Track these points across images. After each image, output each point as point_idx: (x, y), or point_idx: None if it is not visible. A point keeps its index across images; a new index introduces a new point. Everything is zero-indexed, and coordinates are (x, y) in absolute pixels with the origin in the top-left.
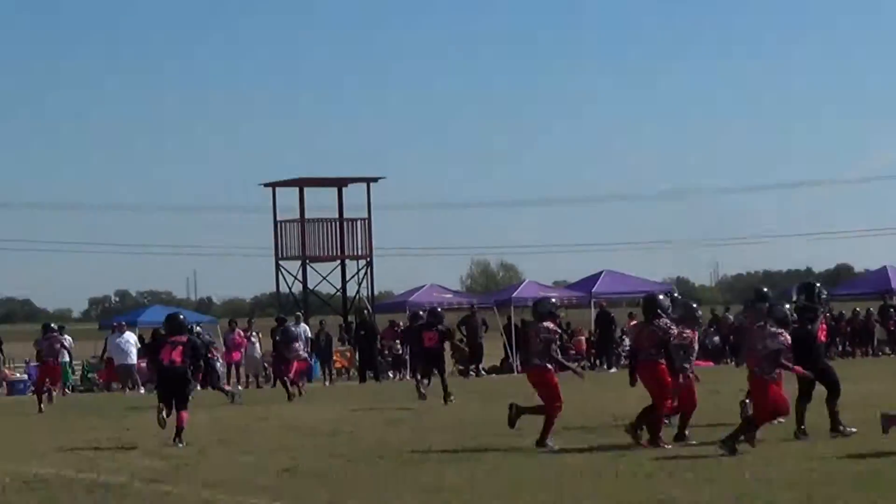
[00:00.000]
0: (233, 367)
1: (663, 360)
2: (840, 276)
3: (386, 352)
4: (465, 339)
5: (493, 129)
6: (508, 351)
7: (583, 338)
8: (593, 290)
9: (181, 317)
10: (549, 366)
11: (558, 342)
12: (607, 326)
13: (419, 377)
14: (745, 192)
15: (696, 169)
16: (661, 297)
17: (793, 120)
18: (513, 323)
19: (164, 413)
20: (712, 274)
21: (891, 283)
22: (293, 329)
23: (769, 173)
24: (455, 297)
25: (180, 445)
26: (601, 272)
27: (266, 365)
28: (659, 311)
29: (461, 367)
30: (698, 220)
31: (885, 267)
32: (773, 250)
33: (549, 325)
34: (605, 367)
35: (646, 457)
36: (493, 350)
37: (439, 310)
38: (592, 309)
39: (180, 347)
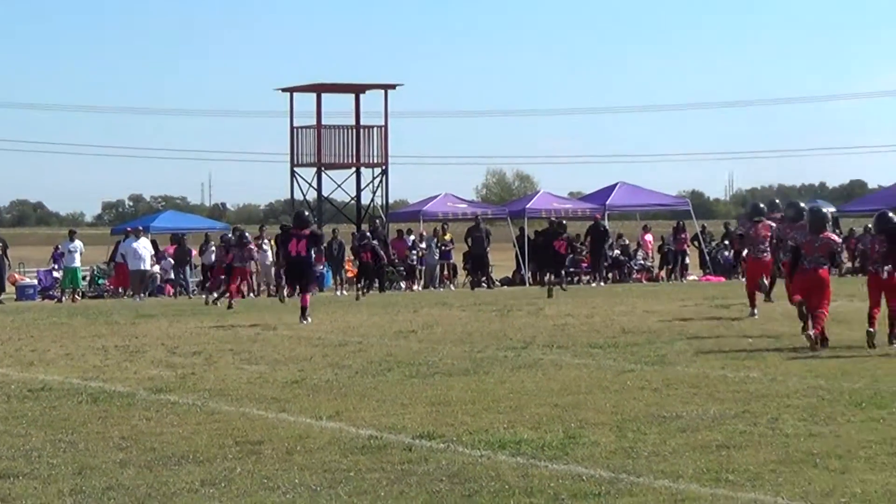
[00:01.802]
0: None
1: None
2: (854, 192)
3: (398, 261)
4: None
5: (511, 38)
6: (521, 262)
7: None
8: (608, 202)
9: (306, 213)
10: None
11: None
12: (600, 239)
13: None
14: (763, 105)
15: (714, 82)
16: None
17: (810, 34)
18: (525, 234)
19: (286, 292)
20: (727, 187)
21: None
22: None
23: (786, 87)
24: (469, 206)
25: (304, 322)
26: (616, 184)
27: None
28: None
29: (471, 279)
30: (714, 133)
31: None
32: (789, 164)
33: None
34: (593, 280)
35: (654, 373)
36: (506, 262)
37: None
38: (608, 221)
39: (304, 240)
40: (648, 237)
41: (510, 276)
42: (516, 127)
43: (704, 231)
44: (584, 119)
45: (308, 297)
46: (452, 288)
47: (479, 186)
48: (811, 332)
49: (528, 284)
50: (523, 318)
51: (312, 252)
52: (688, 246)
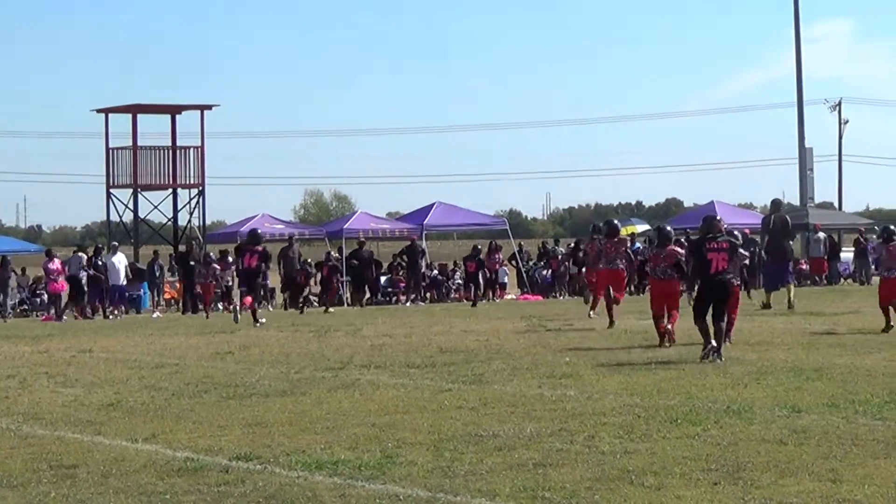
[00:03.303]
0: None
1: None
2: (670, 210)
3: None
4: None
5: (327, 57)
6: (339, 284)
7: None
8: (425, 221)
9: (259, 231)
10: None
11: None
12: (415, 259)
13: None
14: (578, 125)
15: (529, 102)
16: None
17: (626, 54)
18: (344, 254)
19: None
20: (545, 207)
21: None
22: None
23: (603, 106)
24: (286, 227)
25: (259, 324)
26: (433, 204)
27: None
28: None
29: (286, 299)
30: (531, 152)
31: (712, 202)
32: (605, 183)
33: None
34: (408, 299)
35: (471, 392)
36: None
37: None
38: (425, 241)
39: (256, 255)
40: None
41: (328, 296)
42: (334, 147)
43: (522, 250)
44: (402, 139)
45: (249, 299)
46: (270, 309)
47: (296, 207)
48: (668, 325)
49: (346, 304)
50: (341, 338)
51: (262, 266)
52: (504, 265)
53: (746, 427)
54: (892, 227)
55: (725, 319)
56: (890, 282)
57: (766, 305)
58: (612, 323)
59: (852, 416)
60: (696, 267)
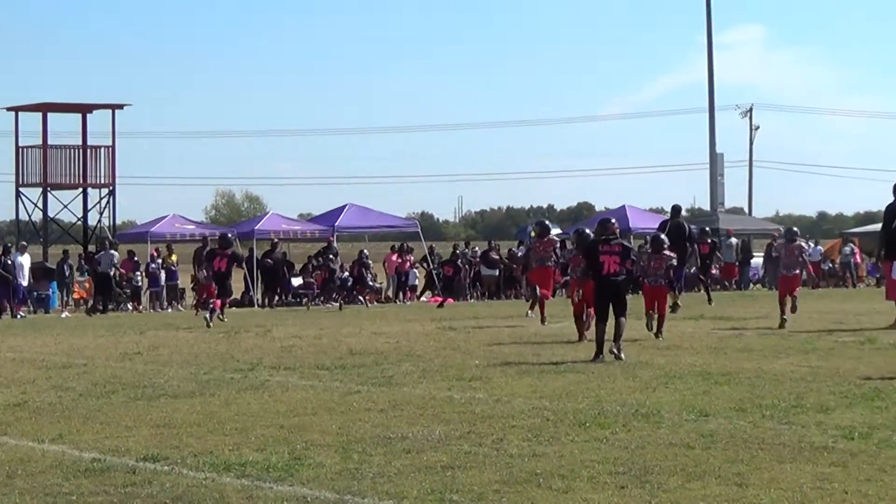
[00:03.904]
0: None
1: None
2: (581, 214)
3: (125, 283)
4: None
5: (240, 59)
6: (249, 284)
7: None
8: (337, 223)
9: (229, 235)
10: None
11: None
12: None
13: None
14: (492, 128)
15: (444, 104)
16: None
17: (543, 58)
18: (254, 255)
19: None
20: (457, 209)
21: (629, 222)
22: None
23: (517, 110)
24: (197, 227)
25: (223, 320)
26: (345, 206)
27: None
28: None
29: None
30: (444, 155)
31: (623, 206)
32: (517, 187)
33: None
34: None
35: (380, 394)
36: (234, 283)
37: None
38: (336, 243)
39: (226, 259)
40: (394, 257)
41: (239, 297)
42: (246, 148)
43: (433, 252)
44: (314, 140)
45: (219, 302)
46: (181, 309)
47: (208, 207)
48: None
49: (256, 306)
50: (251, 339)
51: (231, 268)
52: (415, 267)
53: (654, 431)
54: (794, 228)
55: (625, 317)
56: (788, 279)
57: (672, 308)
58: (543, 319)
59: (759, 421)
60: (588, 269)
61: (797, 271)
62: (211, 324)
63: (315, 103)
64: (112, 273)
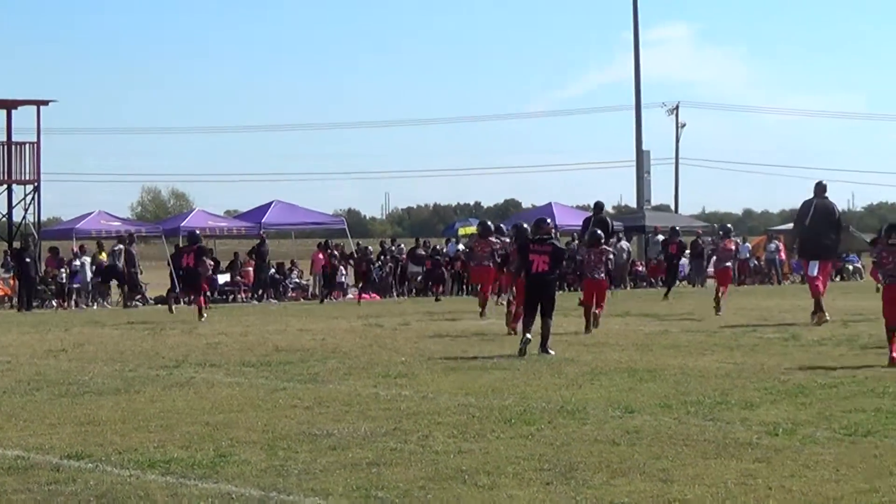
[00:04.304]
0: None
1: None
2: (508, 211)
3: (49, 280)
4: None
5: (165, 55)
6: (174, 280)
7: (250, 269)
8: (263, 220)
9: (197, 232)
10: None
11: None
12: (262, 258)
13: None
14: (419, 125)
15: (372, 101)
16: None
17: (469, 55)
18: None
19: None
20: (384, 206)
21: (556, 219)
22: None
23: (444, 107)
24: (123, 224)
25: (202, 320)
26: (272, 202)
27: None
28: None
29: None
30: (371, 152)
31: (550, 203)
32: (444, 184)
33: None
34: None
35: (306, 391)
36: (161, 280)
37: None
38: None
39: (192, 254)
40: (320, 255)
41: (164, 294)
42: (172, 144)
43: (360, 249)
44: (241, 137)
45: (202, 299)
46: (108, 306)
47: (134, 204)
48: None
49: (182, 302)
50: (176, 336)
51: (200, 262)
52: (342, 264)
53: (580, 427)
54: (728, 225)
55: (552, 315)
56: (721, 271)
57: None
58: (482, 314)
59: (684, 417)
60: (519, 266)
61: (729, 264)
62: (204, 318)
63: (241, 101)
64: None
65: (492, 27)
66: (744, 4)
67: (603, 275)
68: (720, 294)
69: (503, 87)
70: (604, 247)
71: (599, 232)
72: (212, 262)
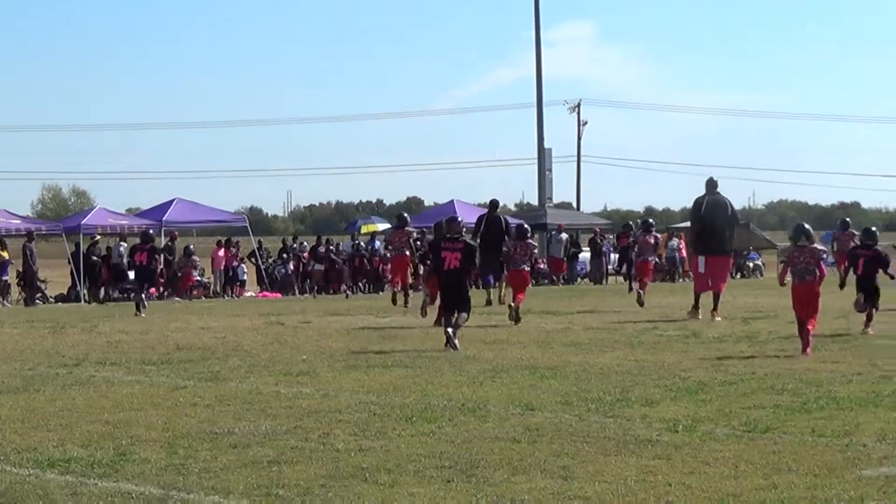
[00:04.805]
0: None
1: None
2: (411, 208)
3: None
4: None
5: (65, 51)
6: (76, 279)
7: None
8: (164, 218)
9: (150, 231)
10: None
11: None
12: (173, 255)
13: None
14: (320, 122)
15: (273, 99)
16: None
17: (375, 53)
18: (81, 250)
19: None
20: (286, 204)
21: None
22: None
23: (346, 105)
24: (23, 222)
25: (143, 310)
26: (173, 200)
27: None
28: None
29: (24, 296)
30: (273, 150)
31: (452, 201)
32: (346, 182)
33: None
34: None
35: (207, 389)
36: (62, 278)
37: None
38: (163, 238)
39: (146, 252)
40: (220, 252)
41: (65, 292)
42: (73, 142)
43: (262, 247)
44: (143, 135)
45: (153, 290)
46: (7, 305)
47: (34, 202)
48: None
49: (83, 301)
50: (77, 335)
51: (152, 260)
52: (242, 261)
53: (481, 425)
54: (650, 220)
55: (467, 310)
56: (642, 264)
57: (488, 302)
58: (395, 301)
59: (585, 414)
60: (433, 264)
61: (650, 258)
62: (142, 313)
63: (144, 98)
64: None
65: (396, 25)
66: (645, 3)
67: (527, 267)
68: (640, 288)
69: (407, 85)
70: (530, 241)
71: (527, 226)
72: (161, 262)
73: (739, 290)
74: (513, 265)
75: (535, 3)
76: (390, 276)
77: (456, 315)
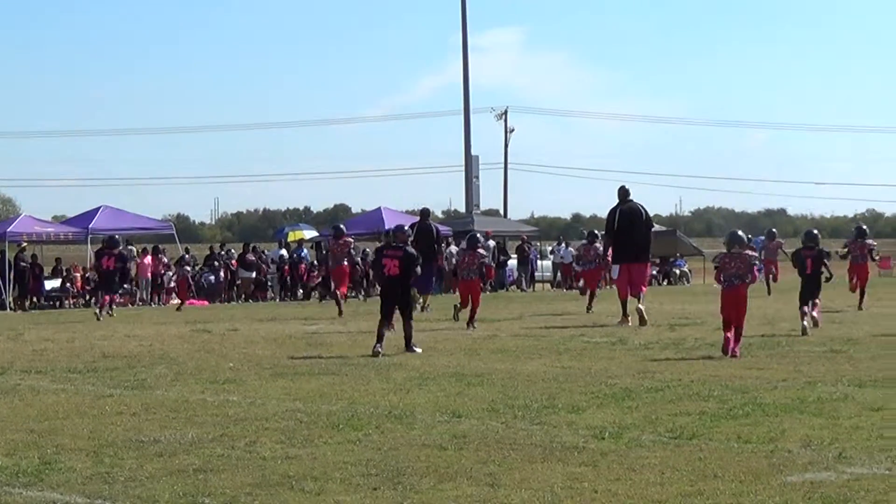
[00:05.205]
0: None
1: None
2: (338, 216)
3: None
4: None
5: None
6: (1, 287)
7: (78, 275)
8: (91, 225)
9: (116, 237)
10: None
11: None
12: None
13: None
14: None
15: (202, 105)
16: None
17: (302, 60)
18: (6, 258)
19: (100, 305)
20: (213, 211)
21: (384, 223)
22: None
23: (274, 112)
24: None
25: (110, 314)
26: (100, 207)
27: None
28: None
29: None
30: (201, 157)
31: (380, 208)
32: (274, 189)
33: None
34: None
35: (133, 398)
36: None
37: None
38: (90, 245)
39: (112, 258)
40: (147, 259)
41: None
42: None
43: (189, 254)
44: (69, 142)
45: (116, 297)
46: None
47: None
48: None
49: (9, 309)
50: (2, 343)
51: (119, 266)
52: (170, 269)
53: (407, 432)
54: (595, 230)
55: (411, 316)
56: (589, 272)
57: (423, 308)
58: (340, 313)
59: (511, 422)
60: (375, 272)
61: (593, 266)
62: (101, 317)
63: (70, 104)
64: None
65: (324, 32)
66: (573, 10)
67: (476, 276)
68: (588, 293)
69: (335, 92)
70: (479, 251)
71: (479, 235)
72: (128, 266)
73: (666, 297)
74: (463, 275)
75: (463, 9)
76: (333, 286)
77: (403, 323)
